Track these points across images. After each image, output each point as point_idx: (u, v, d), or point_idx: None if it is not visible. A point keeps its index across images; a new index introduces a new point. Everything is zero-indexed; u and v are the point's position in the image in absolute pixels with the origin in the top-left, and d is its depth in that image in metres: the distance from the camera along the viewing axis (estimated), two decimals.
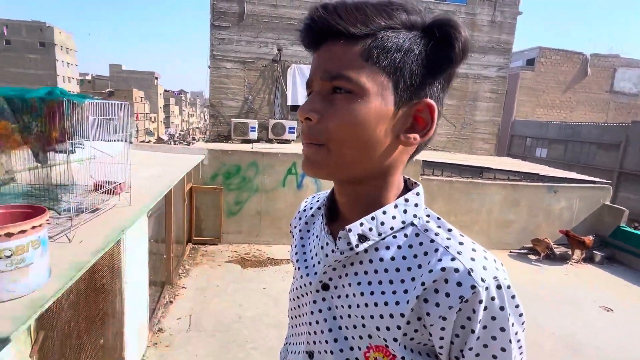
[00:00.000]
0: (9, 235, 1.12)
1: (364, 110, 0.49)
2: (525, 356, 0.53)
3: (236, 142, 7.55)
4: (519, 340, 0.50)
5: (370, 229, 0.53)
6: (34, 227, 1.19)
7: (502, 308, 0.48)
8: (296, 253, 0.66)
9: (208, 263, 5.22)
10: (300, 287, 0.62)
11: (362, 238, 0.53)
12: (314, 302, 0.59)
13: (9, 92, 1.49)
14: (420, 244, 0.52)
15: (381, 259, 0.53)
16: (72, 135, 1.58)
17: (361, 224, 0.53)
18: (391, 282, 0.52)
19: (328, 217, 0.61)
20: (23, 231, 1.15)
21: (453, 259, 0.48)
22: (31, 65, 42.60)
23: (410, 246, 0.52)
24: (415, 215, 0.54)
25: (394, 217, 0.54)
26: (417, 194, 0.56)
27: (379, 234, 0.53)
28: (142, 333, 2.97)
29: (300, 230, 0.68)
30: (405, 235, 0.53)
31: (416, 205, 0.55)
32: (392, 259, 0.52)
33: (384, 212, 0.54)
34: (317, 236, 0.63)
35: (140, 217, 2.43)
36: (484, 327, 0.48)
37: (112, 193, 2.17)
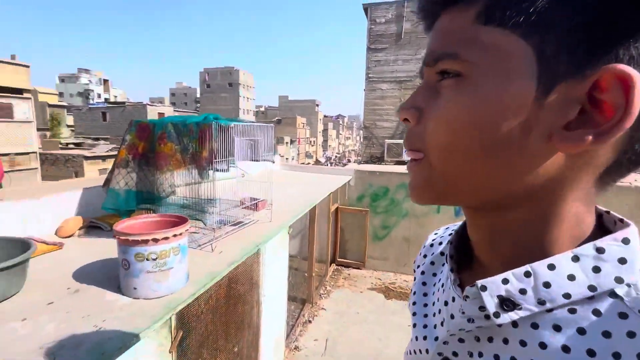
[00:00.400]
0: (155, 240, 1.33)
1: (479, 99, 0.32)
2: None
3: (389, 163, 7.57)
4: None
5: (523, 292, 0.33)
6: (175, 235, 1.39)
7: None
8: (414, 303, 0.51)
9: (350, 287, 5.28)
10: (416, 352, 0.47)
11: (508, 304, 0.34)
12: None
13: (175, 119, 1.87)
14: (631, 335, 0.29)
15: (543, 345, 0.32)
16: (219, 154, 1.83)
17: (505, 281, 0.34)
18: None
19: (457, 260, 0.44)
20: (166, 238, 1.36)
21: None
22: (222, 102, 55.92)
23: (607, 335, 0.30)
24: (619, 280, 0.31)
25: (571, 278, 0.32)
26: (625, 240, 0.32)
27: (540, 302, 0.33)
28: (279, 347, 3.17)
29: (423, 273, 0.53)
30: (597, 313, 0.31)
31: (622, 261, 0.32)
32: (566, 349, 0.31)
33: (551, 267, 0.33)
34: (442, 284, 0.47)
35: (278, 233, 2.62)
36: None
37: (254, 209, 2.42)
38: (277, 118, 54.31)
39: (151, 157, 1.82)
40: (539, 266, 0.33)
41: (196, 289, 1.48)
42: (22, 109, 14.89)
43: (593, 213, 0.36)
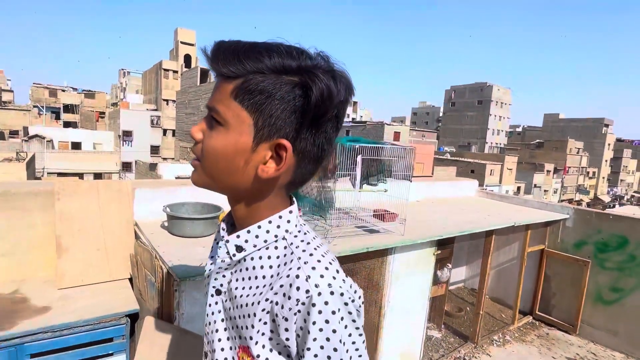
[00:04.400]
0: None
1: (224, 141, 0.63)
2: (366, 358, 0.64)
3: None
4: (354, 342, 0.62)
5: (246, 241, 0.68)
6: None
7: (334, 312, 0.59)
8: (208, 263, 0.83)
9: (540, 348, 4.77)
10: (206, 292, 0.78)
11: (239, 248, 0.69)
12: (209, 305, 0.75)
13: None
14: (285, 255, 0.66)
15: (254, 267, 0.68)
16: (341, 168, 2.64)
17: (238, 236, 0.69)
18: (257, 287, 0.66)
19: (228, 230, 0.76)
20: None
21: (299, 268, 0.62)
22: (467, 122, 54.68)
23: (278, 257, 0.67)
24: (287, 231, 0.68)
25: (267, 232, 0.68)
26: (290, 211, 0.70)
27: (254, 246, 0.68)
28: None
29: (215, 241, 0.85)
30: (276, 248, 0.68)
31: (288, 221, 0.69)
32: (262, 267, 0.67)
33: (259, 227, 0.68)
34: (217, 243, 0.78)
35: (419, 250, 3.13)
36: (320, 330, 0.59)
37: (381, 219, 3.06)
38: (537, 141, 48.53)
39: None
40: (253, 227, 0.68)
41: None
42: None
43: (284, 201, 0.70)
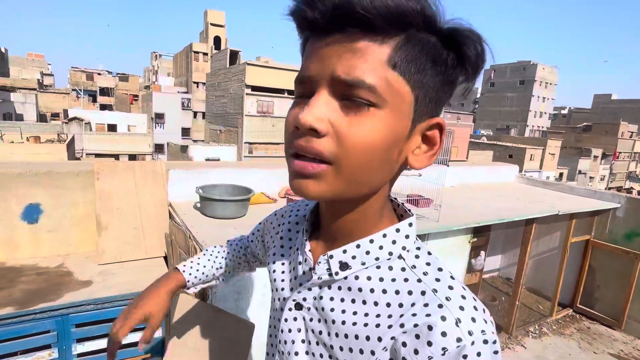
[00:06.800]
0: None
1: (385, 129, 0.48)
2: None
3: None
4: None
5: (354, 257, 0.55)
6: None
7: None
8: (274, 262, 0.71)
9: (580, 341, 4.63)
10: (277, 300, 0.67)
11: (344, 266, 0.56)
12: (286, 320, 0.62)
13: None
14: (405, 280, 0.53)
15: (360, 289, 0.55)
16: None
17: (344, 251, 0.56)
18: (366, 314, 0.54)
19: (310, 232, 0.65)
20: None
21: (440, 306, 0.48)
22: (507, 103, 52.38)
23: (394, 280, 0.54)
24: (404, 248, 0.56)
25: (381, 247, 0.55)
26: (410, 224, 0.57)
27: (362, 263, 0.55)
28: None
29: (281, 238, 0.73)
30: (390, 268, 0.55)
31: (407, 236, 0.56)
32: (372, 290, 0.54)
33: (371, 241, 0.55)
34: (297, 249, 0.66)
35: (454, 237, 3.09)
36: None
37: (415, 204, 3.02)
38: (584, 124, 45.99)
39: None
40: (364, 241, 0.55)
41: None
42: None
43: (391, 206, 0.60)
